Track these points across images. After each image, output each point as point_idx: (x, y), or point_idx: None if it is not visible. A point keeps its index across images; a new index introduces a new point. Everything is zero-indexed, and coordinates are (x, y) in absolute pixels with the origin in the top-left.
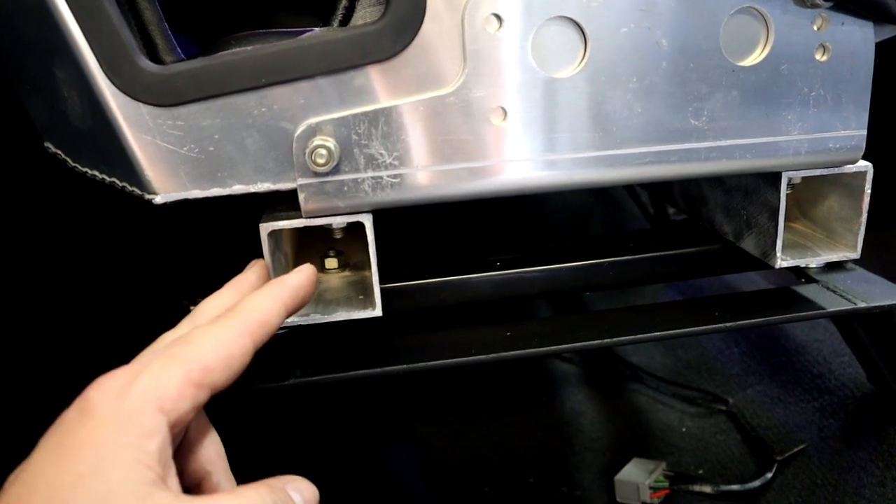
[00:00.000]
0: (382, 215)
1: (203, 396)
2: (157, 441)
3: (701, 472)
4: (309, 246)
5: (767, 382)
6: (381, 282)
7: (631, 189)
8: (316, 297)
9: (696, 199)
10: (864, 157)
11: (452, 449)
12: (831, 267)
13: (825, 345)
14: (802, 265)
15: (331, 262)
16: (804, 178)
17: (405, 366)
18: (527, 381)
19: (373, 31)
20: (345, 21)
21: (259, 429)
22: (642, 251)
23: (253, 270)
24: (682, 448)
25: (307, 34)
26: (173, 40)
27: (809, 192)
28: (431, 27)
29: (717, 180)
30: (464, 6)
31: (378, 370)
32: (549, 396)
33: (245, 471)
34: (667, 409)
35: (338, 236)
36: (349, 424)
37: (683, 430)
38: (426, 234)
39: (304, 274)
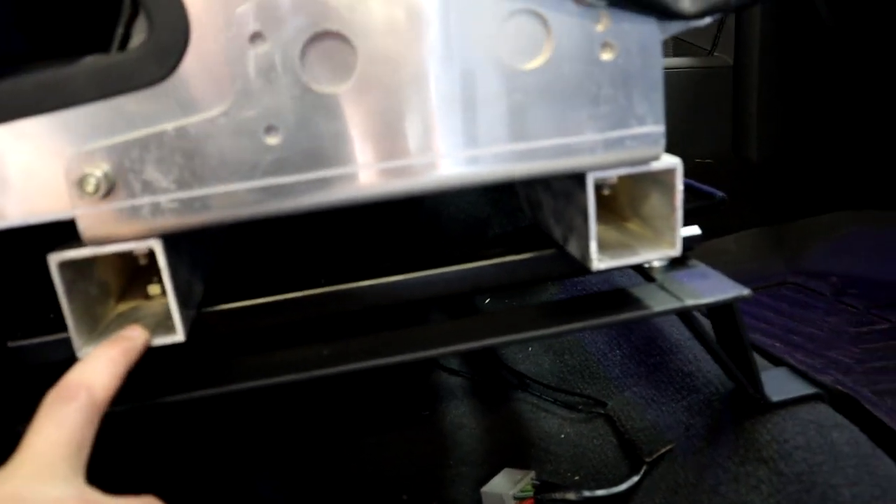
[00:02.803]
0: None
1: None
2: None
3: (577, 478)
4: (145, 273)
5: (644, 384)
6: (214, 304)
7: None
8: (131, 323)
9: (535, 203)
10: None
11: (325, 471)
12: (675, 264)
13: (697, 344)
14: (621, 265)
15: (153, 289)
16: (630, 177)
17: (219, 388)
18: (409, 396)
19: (135, 57)
20: (122, 46)
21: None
22: (479, 258)
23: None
24: (560, 455)
25: (73, 63)
26: None
27: (638, 190)
28: (197, 50)
29: (546, 185)
30: (227, 27)
31: (185, 396)
32: (430, 410)
33: None
34: (549, 416)
35: (143, 263)
36: (217, 448)
37: (562, 436)
38: (273, 253)
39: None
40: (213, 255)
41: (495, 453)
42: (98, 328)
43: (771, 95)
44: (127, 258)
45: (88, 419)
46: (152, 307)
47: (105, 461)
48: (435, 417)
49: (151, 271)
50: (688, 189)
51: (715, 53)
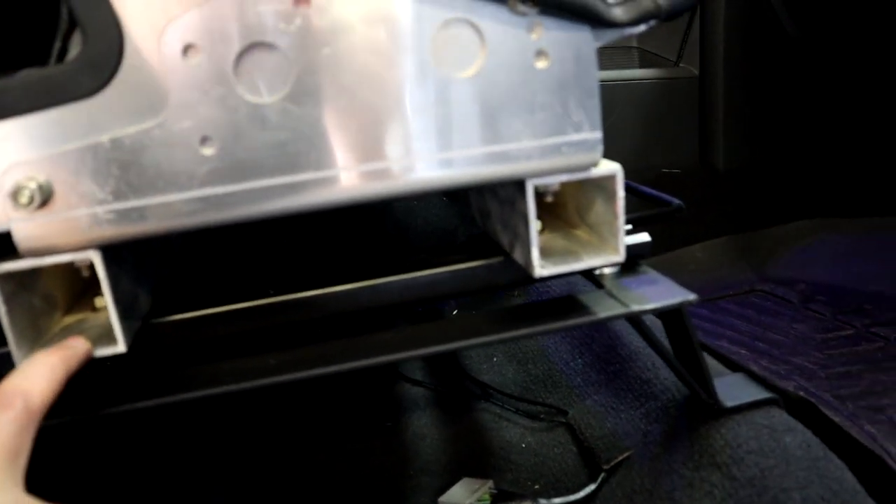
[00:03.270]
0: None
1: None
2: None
3: (537, 486)
4: (92, 287)
5: (604, 392)
6: (164, 314)
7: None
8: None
9: (485, 213)
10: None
11: (284, 483)
12: (625, 271)
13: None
14: (565, 272)
15: (100, 301)
16: (575, 184)
17: (158, 399)
18: (372, 407)
19: (69, 70)
20: (60, 59)
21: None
22: (431, 266)
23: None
24: (521, 464)
25: (11, 76)
26: None
27: (584, 198)
28: (131, 62)
29: (494, 193)
30: (160, 40)
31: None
32: (393, 422)
33: None
34: (510, 425)
35: (85, 275)
36: (171, 460)
37: (523, 445)
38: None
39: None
40: (163, 265)
41: (456, 463)
42: (41, 340)
43: (736, 105)
44: (73, 270)
45: (24, 426)
46: (98, 319)
47: (49, 473)
48: (397, 428)
49: (97, 283)
50: (644, 196)
51: (681, 64)
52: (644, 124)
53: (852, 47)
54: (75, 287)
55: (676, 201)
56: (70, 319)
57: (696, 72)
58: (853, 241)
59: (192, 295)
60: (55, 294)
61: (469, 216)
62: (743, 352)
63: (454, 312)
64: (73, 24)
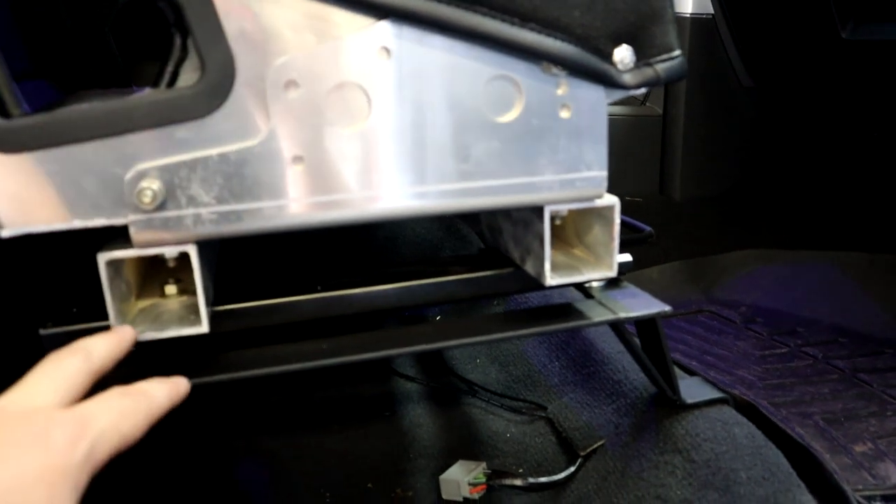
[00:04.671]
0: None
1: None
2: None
3: (521, 470)
4: (155, 275)
5: (580, 390)
6: (220, 304)
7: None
8: (153, 318)
9: (496, 229)
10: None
11: (297, 460)
12: (610, 284)
13: (626, 356)
14: (570, 283)
15: (170, 289)
16: (577, 211)
17: (231, 374)
18: (371, 398)
19: (190, 94)
20: (171, 82)
21: None
22: (447, 274)
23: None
24: (506, 451)
25: (136, 95)
26: (20, 95)
27: (582, 223)
28: (240, 91)
29: (507, 214)
30: (267, 74)
31: (204, 379)
32: (391, 411)
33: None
34: (496, 418)
35: (172, 265)
36: (198, 439)
37: (508, 435)
38: (269, 264)
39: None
40: (213, 263)
41: (449, 448)
42: (126, 321)
43: (694, 143)
44: (145, 262)
45: (84, 372)
46: (168, 304)
47: None
48: (394, 417)
49: (168, 273)
50: (622, 223)
51: (647, 104)
52: (611, 156)
53: (798, 99)
54: (143, 277)
55: (648, 228)
56: (143, 304)
57: (660, 111)
58: (788, 271)
59: (236, 288)
60: (132, 281)
61: (455, 231)
62: (693, 363)
63: (437, 318)
64: (184, 54)
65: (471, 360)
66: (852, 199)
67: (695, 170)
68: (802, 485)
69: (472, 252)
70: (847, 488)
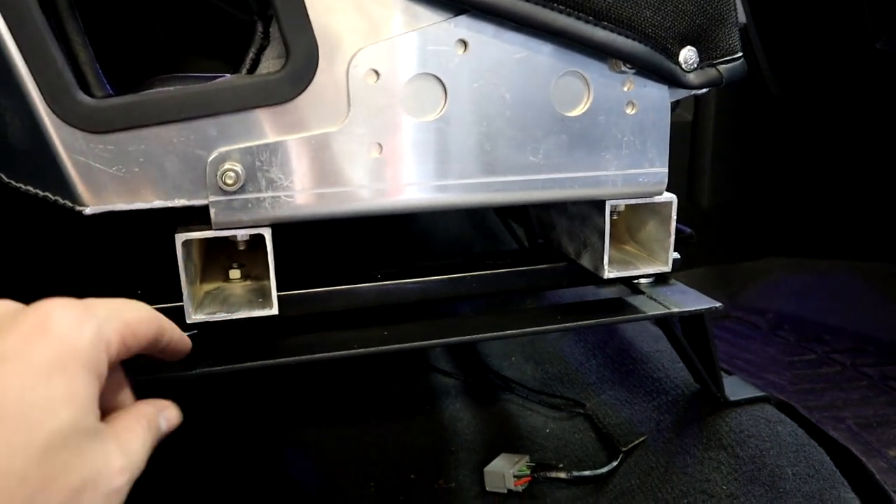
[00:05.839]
0: (285, 237)
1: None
2: (102, 375)
3: (561, 465)
4: (215, 260)
5: (618, 388)
6: (279, 290)
7: (506, 223)
8: (221, 300)
9: (548, 225)
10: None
11: (341, 450)
12: (658, 281)
13: (664, 355)
14: (626, 276)
15: (234, 273)
16: (629, 207)
17: (299, 357)
18: (411, 392)
19: (274, 80)
20: (252, 69)
21: None
22: (502, 267)
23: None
24: (546, 446)
25: (220, 79)
26: (103, 77)
27: (636, 219)
28: (322, 78)
29: (562, 209)
30: (349, 62)
31: (274, 361)
32: (430, 405)
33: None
34: (534, 414)
35: (241, 248)
36: (244, 428)
37: (547, 431)
38: (324, 253)
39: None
40: None
41: (490, 442)
42: (195, 302)
43: (723, 151)
44: (206, 246)
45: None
46: (233, 288)
47: None
48: (434, 411)
49: (232, 258)
50: None
51: (677, 110)
52: None
53: (827, 108)
54: (205, 261)
55: (688, 230)
56: (208, 287)
57: (690, 118)
58: (814, 280)
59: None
60: (198, 265)
61: (486, 233)
62: (723, 367)
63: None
64: (266, 42)
65: (505, 358)
66: (877, 210)
67: (723, 177)
68: (846, 483)
69: (504, 248)
70: (888, 488)
